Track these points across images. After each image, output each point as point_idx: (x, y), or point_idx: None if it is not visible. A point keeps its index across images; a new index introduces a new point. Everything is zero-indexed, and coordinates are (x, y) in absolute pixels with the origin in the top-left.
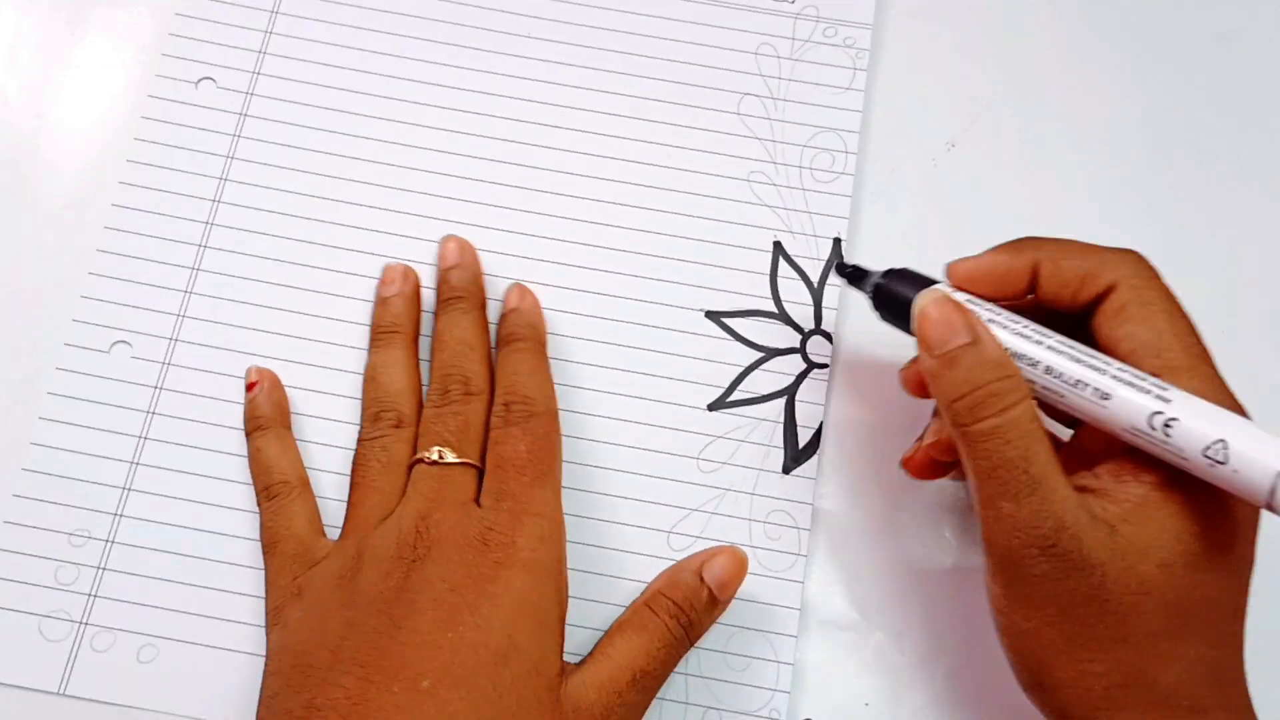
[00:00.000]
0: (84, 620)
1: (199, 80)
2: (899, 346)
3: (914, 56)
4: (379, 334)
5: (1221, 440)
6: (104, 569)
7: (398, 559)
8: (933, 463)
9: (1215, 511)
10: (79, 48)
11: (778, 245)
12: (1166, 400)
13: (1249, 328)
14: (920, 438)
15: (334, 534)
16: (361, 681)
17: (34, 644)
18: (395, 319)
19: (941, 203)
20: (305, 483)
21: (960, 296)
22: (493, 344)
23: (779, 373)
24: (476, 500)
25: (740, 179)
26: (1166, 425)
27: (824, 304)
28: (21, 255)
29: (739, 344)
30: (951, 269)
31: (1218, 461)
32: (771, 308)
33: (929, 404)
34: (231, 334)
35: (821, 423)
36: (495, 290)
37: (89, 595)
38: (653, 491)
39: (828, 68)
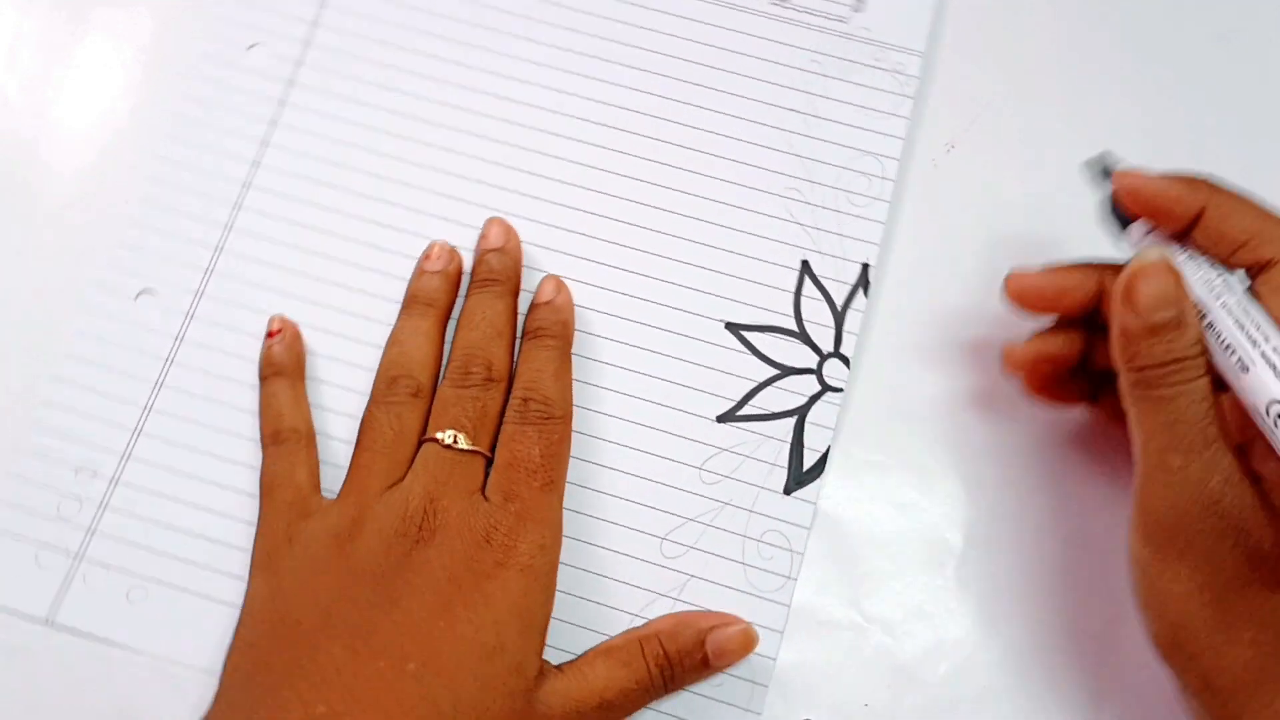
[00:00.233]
0: (80, 554)
1: (250, 45)
2: (916, 372)
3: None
4: (411, 303)
5: None
6: (106, 507)
7: (401, 535)
8: (1037, 364)
9: None
10: (79, 48)
11: (805, 264)
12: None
13: None
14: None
15: (331, 498)
16: (349, 652)
17: (29, 571)
18: (432, 294)
19: (941, 205)
20: (312, 437)
21: (1163, 247)
22: (518, 334)
23: (792, 392)
24: (482, 491)
25: (775, 194)
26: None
27: (845, 328)
28: (21, 255)
29: (756, 359)
30: (1120, 178)
31: None
32: (793, 326)
33: (938, 436)
34: (257, 294)
35: (829, 447)
36: (528, 281)
37: (88, 530)
38: (652, 496)
39: (875, 91)
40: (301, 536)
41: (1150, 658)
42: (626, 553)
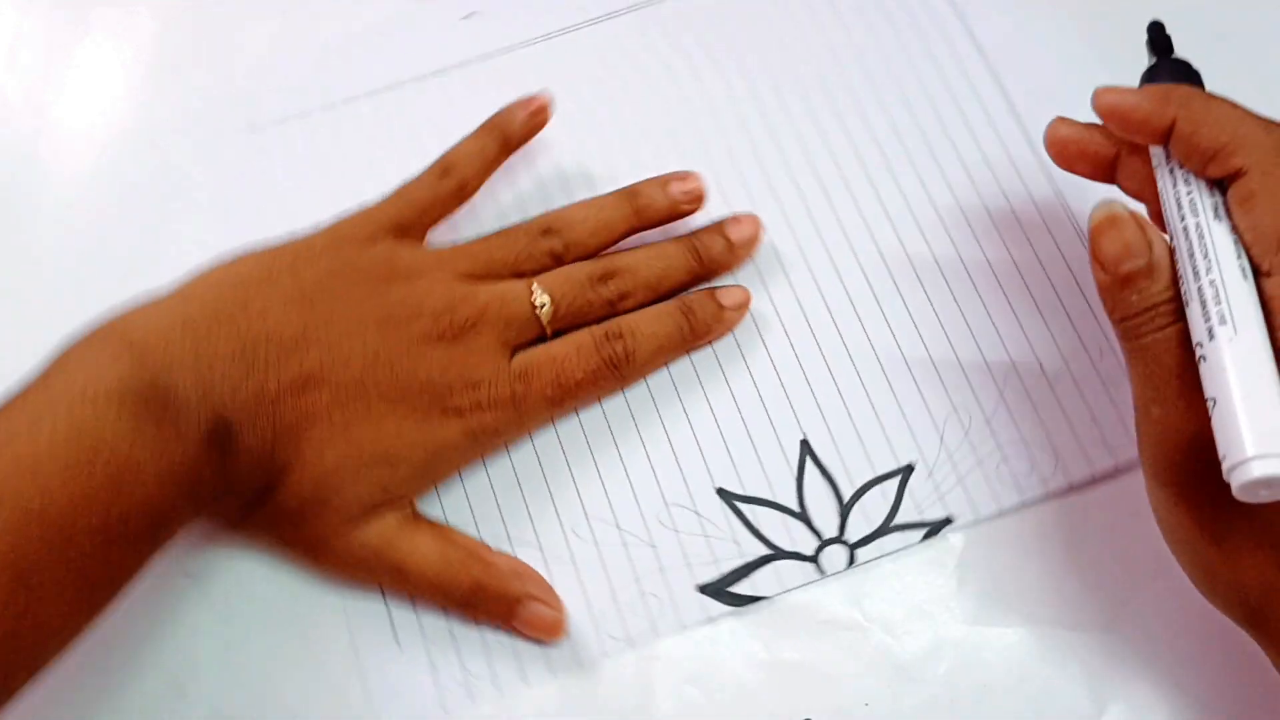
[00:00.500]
0: None
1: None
2: None
3: None
4: (626, 195)
5: (1211, 400)
6: None
7: (434, 318)
8: (1066, 147)
9: None
10: (79, 48)
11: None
12: (1212, 335)
13: None
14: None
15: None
16: (319, 364)
17: None
18: (652, 208)
19: None
20: (468, 200)
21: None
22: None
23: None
24: (517, 348)
25: None
26: (1200, 360)
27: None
28: (21, 255)
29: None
30: (1099, 95)
31: (1210, 418)
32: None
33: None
34: None
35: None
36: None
37: None
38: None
39: None
40: (378, 248)
41: (1152, 657)
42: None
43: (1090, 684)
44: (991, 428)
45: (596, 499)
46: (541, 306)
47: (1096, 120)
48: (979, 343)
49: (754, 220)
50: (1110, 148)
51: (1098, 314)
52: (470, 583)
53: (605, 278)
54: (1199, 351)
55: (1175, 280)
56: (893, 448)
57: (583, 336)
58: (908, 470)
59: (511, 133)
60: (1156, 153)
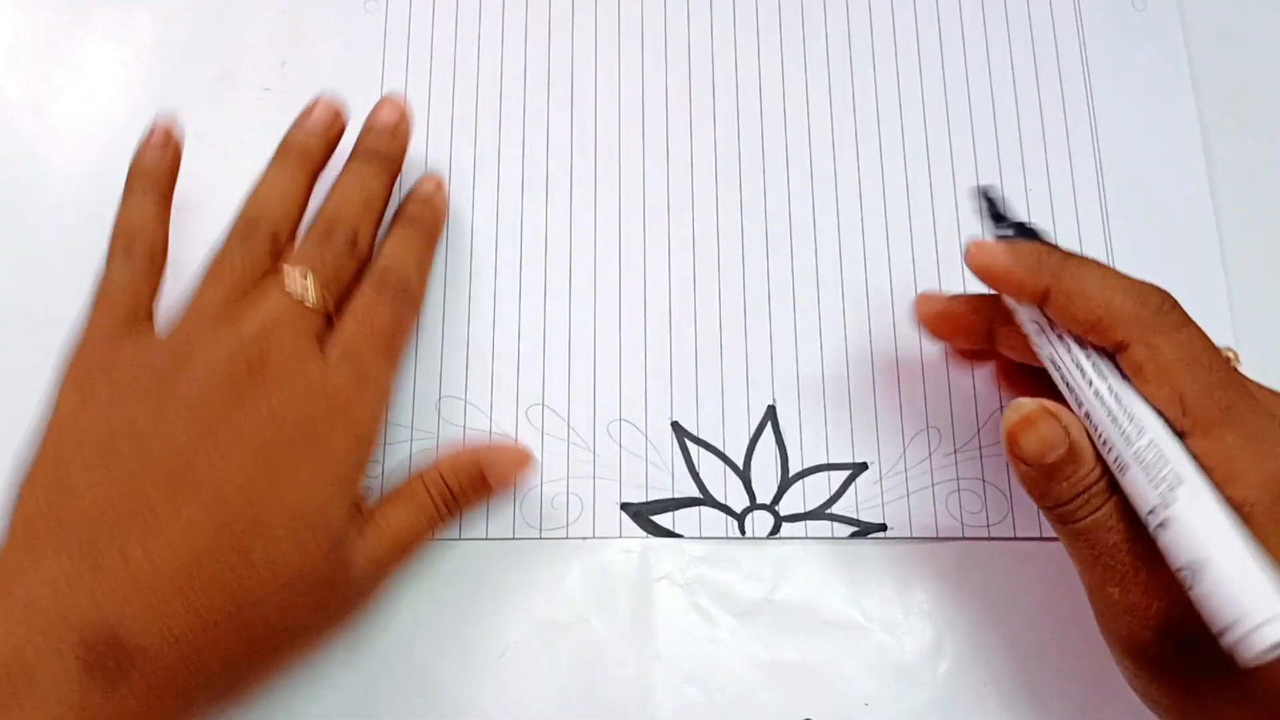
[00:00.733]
0: None
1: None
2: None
3: None
4: (284, 154)
5: (1190, 567)
6: None
7: (229, 373)
8: (939, 322)
9: None
10: (79, 48)
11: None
12: (1170, 500)
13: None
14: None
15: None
16: (168, 495)
17: None
18: (307, 148)
19: None
20: (162, 262)
21: (1031, 327)
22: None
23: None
24: (320, 342)
25: None
26: (1160, 526)
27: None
28: (21, 255)
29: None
30: (972, 253)
31: (1189, 585)
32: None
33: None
34: None
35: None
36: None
37: None
38: None
39: None
40: (126, 356)
41: None
42: None
43: (1091, 684)
44: (958, 458)
45: (558, 390)
46: (302, 292)
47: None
48: (974, 374)
49: (392, 102)
50: (982, 320)
51: None
52: (441, 496)
53: (328, 233)
54: (1155, 519)
55: (1098, 455)
56: (853, 442)
57: (362, 294)
58: (861, 468)
59: (157, 178)
60: (1030, 320)
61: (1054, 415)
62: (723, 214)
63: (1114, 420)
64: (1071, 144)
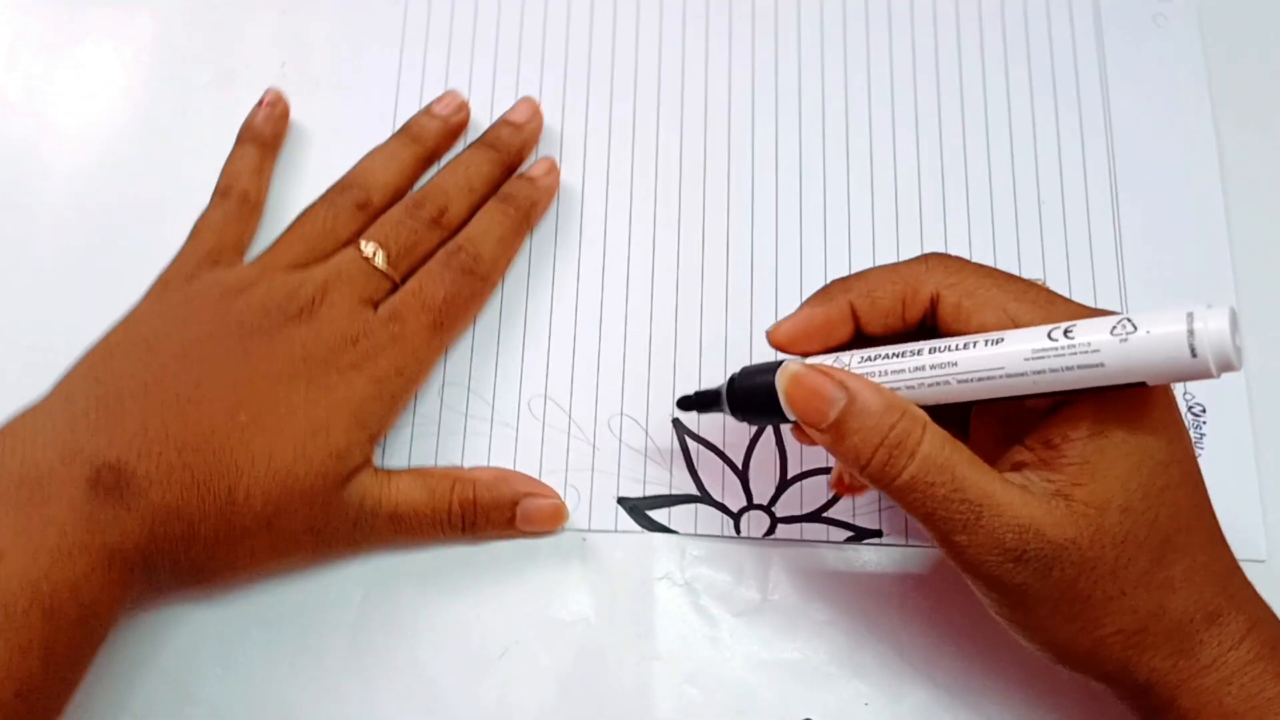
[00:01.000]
0: None
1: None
2: None
3: None
4: (401, 133)
5: (1126, 318)
6: None
7: (282, 308)
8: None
9: (1146, 439)
10: (79, 48)
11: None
12: (1054, 324)
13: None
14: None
15: None
16: (193, 387)
17: None
18: (425, 132)
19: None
20: (259, 208)
21: (813, 359)
22: None
23: None
24: (375, 304)
25: None
26: (1066, 332)
27: None
28: (22, 255)
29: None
30: (772, 335)
31: (1128, 333)
32: None
33: None
34: None
35: None
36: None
37: None
38: None
39: None
40: (201, 279)
41: None
42: None
43: (1091, 684)
44: None
45: (561, 384)
46: (374, 255)
47: None
48: None
49: (528, 102)
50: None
51: None
52: (463, 503)
53: (419, 205)
54: (1059, 329)
55: (894, 405)
56: None
57: (430, 264)
58: None
59: (262, 135)
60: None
61: (825, 372)
62: (733, 217)
63: (951, 346)
64: (1086, 158)
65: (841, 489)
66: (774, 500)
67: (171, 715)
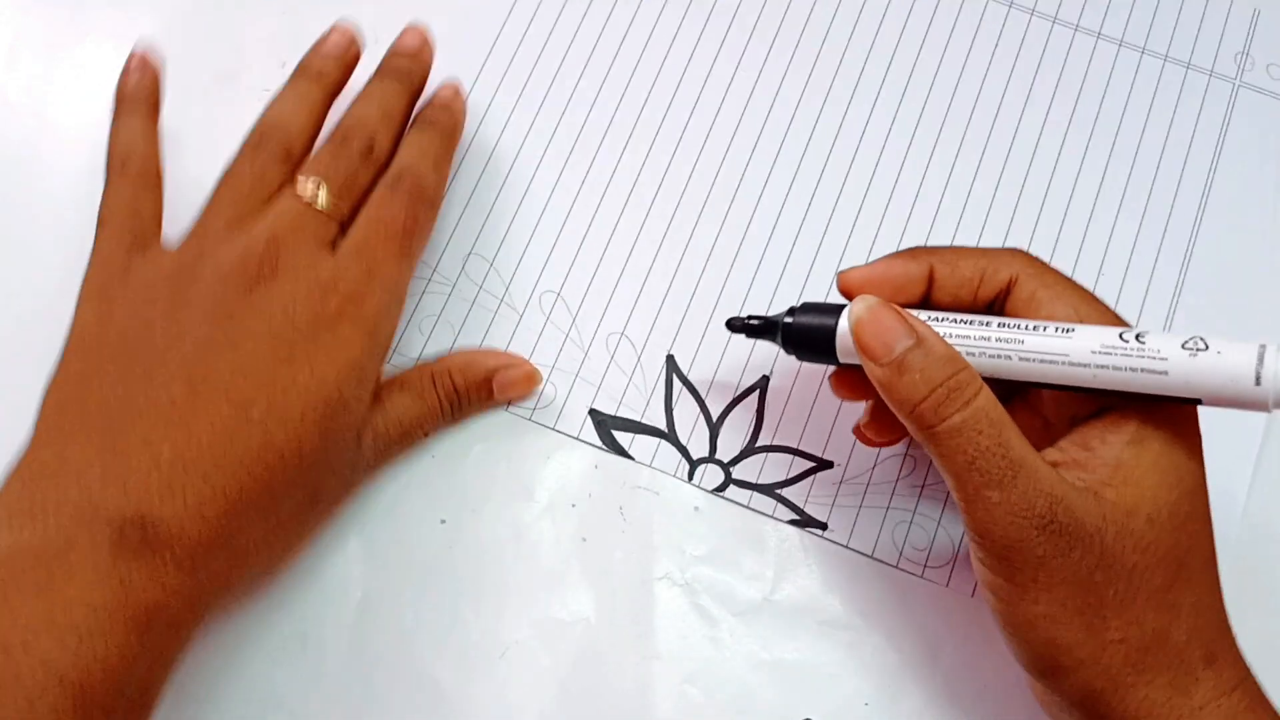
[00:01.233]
0: None
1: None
2: None
3: None
4: (300, 73)
5: (1198, 335)
6: None
7: (240, 273)
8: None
9: (1182, 459)
10: (79, 48)
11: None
12: (1127, 327)
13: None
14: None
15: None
16: (189, 390)
17: None
18: (326, 65)
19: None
20: (159, 177)
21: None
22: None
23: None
24: (332, 246)
25: None
26: (1139, 337)
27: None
28: (22, 255)
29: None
30: (844, 278)
31: (1199, 349)
32: None
33: None
34: None
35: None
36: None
37: None
38: None
39: None
40: (138, 269)
41: None
42: None
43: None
44: (922, 493)
45: (576, 288)
46: (315, 196)
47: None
48: None
49: (416, 30)
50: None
51: None
52: (447, 394)
53: (344, 141)
54: (1132, 332)
55: (957, 359)
56: (829, 438)
57: (377, 193)
58: (826, 464)
59: (141, 100)
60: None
61: (899, 313)
62: (796, 173)
63: (1023, 326)
64: (1184, 177)
65: (864, 437)
66: (735, 461)
67: (171, 715)
